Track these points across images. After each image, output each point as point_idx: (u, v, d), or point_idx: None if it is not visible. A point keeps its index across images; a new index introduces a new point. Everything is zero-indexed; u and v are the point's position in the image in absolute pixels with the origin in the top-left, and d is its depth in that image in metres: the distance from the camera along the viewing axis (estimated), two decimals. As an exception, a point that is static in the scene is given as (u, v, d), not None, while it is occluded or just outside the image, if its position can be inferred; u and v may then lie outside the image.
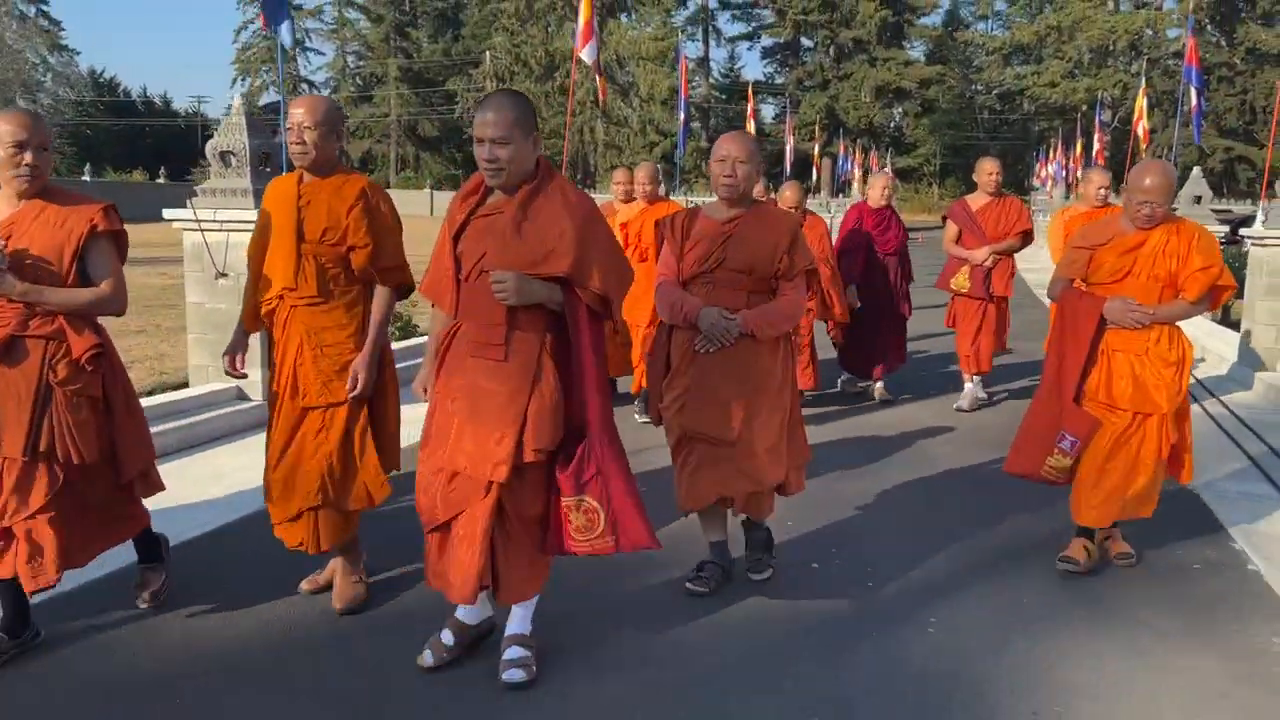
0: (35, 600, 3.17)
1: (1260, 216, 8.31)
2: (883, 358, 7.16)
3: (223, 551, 4.03)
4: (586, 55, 10.59)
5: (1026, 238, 6.85)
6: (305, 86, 67.57)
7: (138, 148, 62.39)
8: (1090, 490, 3.82)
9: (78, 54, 58.46)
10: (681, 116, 14.96)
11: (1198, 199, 11.22)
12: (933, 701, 2.89)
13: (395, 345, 5.99)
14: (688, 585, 3.61)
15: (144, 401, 5.76)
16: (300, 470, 3.38)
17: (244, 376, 3.62)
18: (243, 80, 65.90)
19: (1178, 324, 3.84)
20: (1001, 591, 3.71)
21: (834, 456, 5.47)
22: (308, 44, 67.43)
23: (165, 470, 3.55)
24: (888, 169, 43.79)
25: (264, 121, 6.91)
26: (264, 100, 66.39)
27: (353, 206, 3.33)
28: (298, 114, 3.33)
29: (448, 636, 3.06)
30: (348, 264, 3.37)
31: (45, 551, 2.98)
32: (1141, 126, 20.49)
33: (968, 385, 7.07)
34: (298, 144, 3.32)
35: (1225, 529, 4.43)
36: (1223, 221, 13.79)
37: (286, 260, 3.34)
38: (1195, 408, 6.92)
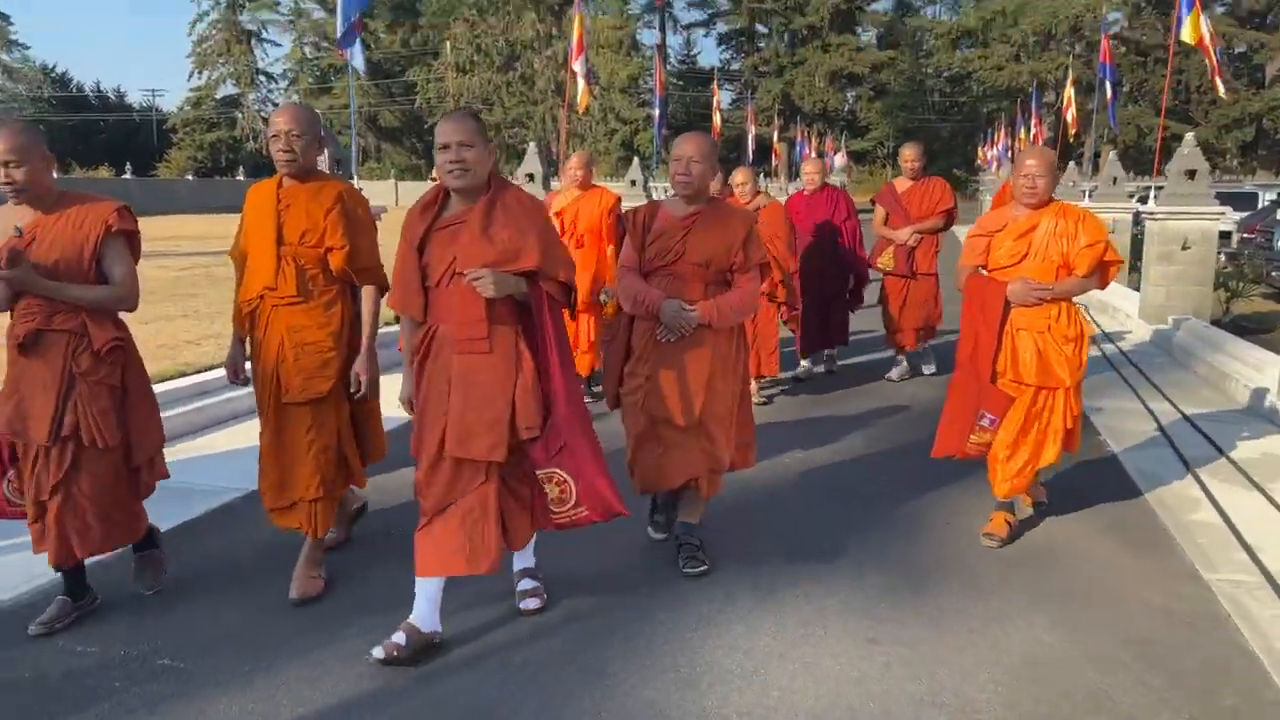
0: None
1: (1151, 195, 9.54)
2: (822, 336, 7.46)
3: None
4: (579, 67, 11.57)
5: (949, 216, 7.26)
6: (263, 79, 67.24)
7: (93, 143, 61.60)
8: (1005, 465, 4.06)
9: (28, 49, 57.82)
10: (657, 112, 15.90)
11: (1114, 180, 12.50)
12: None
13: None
14: (649, 530, 4.07)
15: (174, 384, 6.47)
16: (295, 465, 3.53)
17: (247, 383, 3.78)
18: (199, 73, 65.48)
19: (1075, 302, 4.07)
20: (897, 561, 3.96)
21: (776, 435, 5.70)
22: (264, 35, 67.12)
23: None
24: (838, 155, 45.05)
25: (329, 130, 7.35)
26: (220, 94, 66.09)
27: (330, 209, 3.47)
28: (282, 122, 3.46)
29: (399, 638, 3.11)
30: (326, 265, 3.50)
31: (63, 531, 3.22)
32: (1070, 113, 21.81)
33: (899, 359, 7.50)
34: (285, 152, 3.45)
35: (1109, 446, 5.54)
36: (1138, 199, 15.13)
37: (267, 262, 3.47)
38: (1100, 349, 8.22)
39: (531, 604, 3.41)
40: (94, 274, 3.25)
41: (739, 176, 6.55)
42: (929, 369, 7.61)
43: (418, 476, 3.17)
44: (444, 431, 3.08)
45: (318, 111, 3.94)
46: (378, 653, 3.06)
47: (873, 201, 7.65)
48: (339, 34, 7.60)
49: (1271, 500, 4.60)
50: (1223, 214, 9.45)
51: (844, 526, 4.33)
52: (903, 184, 7.40)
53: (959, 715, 2.82)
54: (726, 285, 3.71)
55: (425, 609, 3.16)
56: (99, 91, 69.97)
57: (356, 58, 8.06)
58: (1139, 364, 7.89)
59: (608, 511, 3.18)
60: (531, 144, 9.52)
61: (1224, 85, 11.84)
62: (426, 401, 3.15)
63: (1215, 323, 9.35)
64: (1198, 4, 9.67)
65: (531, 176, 9.76)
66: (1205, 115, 46.61)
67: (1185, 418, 6.14)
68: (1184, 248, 9.23)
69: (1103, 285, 4.18)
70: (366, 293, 3.61)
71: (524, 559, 3.50)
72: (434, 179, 6.34)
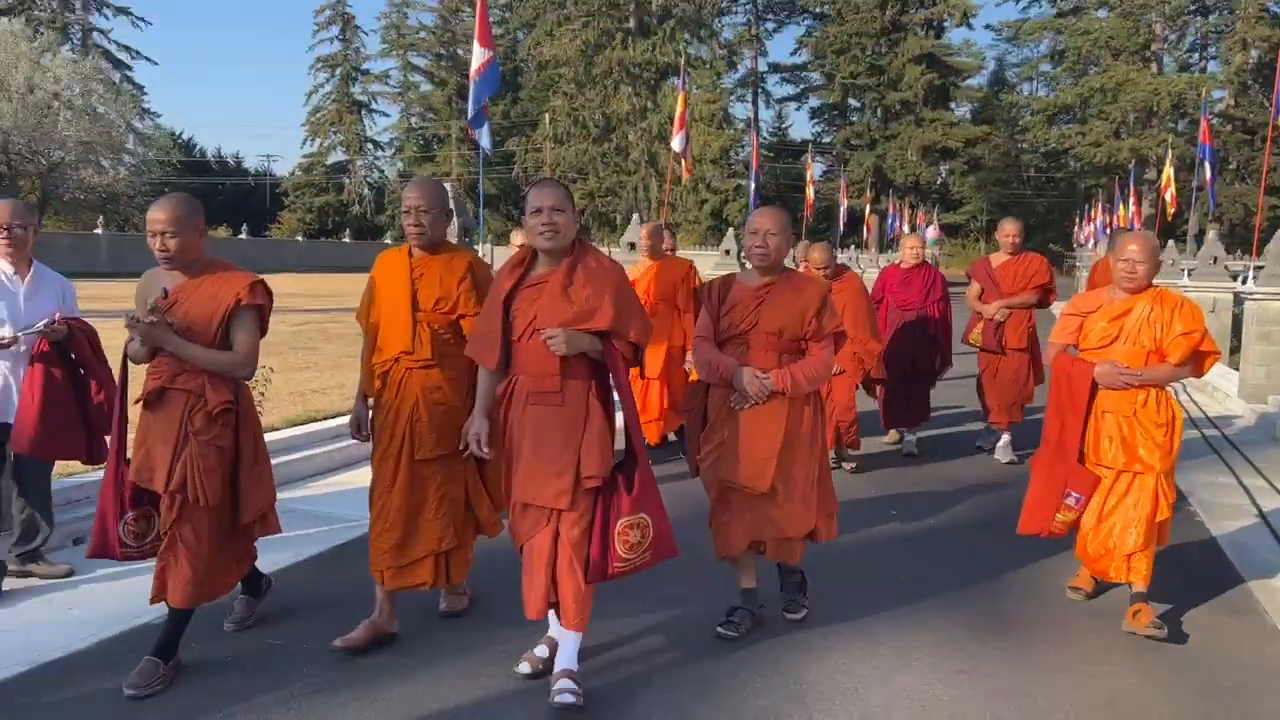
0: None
1: (1251, 275, 9.61)
2: (905, 414, 7.45)
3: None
4: (677, 145, 12.27)
5: (1043, 292, 7.10)
6: (370, 146, 70.80)
7: (213, 205, 65.28)
8: (1089, 546, 4.04)
9: (159, 116, 62.01)
10: (752, 186, 16.55)
11: (1214, 259, 12.53)
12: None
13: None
14: (719, 630, 3.82)
15: (317, 426, 7.03)
16: (424, 519, 3.67)
17: (368, 439, 3.88)
18: (311, 140, 69.27)
19: (1167, 388, 4.02)
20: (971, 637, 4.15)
21: (868, 498, 5.95)
22: (374, 106, 70.79)
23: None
24: (930, 228, 45.07)
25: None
26: (331, 159, 69.74)
27: (463, 279, 3.70)
28: (413, 198, 3.67)
29: (542, 650, 3.47)
30: (458, 329, 3.69)
31: (170, 572, 3.40)
32: (1170, 192, 21.68)
33: (998, 433, 7.33)
34: (415, 226, 3.67)
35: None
36: (1241, 279, 14.99)
37: (403, 327, 3.64)
38: (1199, 430, 8.26)
39: (568, 698, 3.16)
40: (219, 340, 3.44)
41: (815, 254, 6.55)
42: (1005, 457, 7.20)
43: (509, 520, 3.40)
44: (518, 478, 3.28)
45: (445, 186, 4.15)
46: (523, 668, 3.43)
47: (967, 275, 7.63)
48: (469, 115, 8.30)
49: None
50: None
51: (934, 576, 4.63)
52: (999, 258, 7.31)
53: (1043, 738, 3.10)
54: (800, 354, 3.77)
55: (556, 624, 3.42)
56: (219, 157, 74.54)
57: (484, 138, 8.78)
58: (1237, 443, 7.94)
59: (664, 555, 3.29)
60: (635, 215, 10.12)
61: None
62: (508, 448, 3.34)
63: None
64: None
65: (633, 245, 10.32)
66: (1316, 194, 45.32)
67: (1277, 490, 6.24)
68: (1283, 327, 9.26)
69: (1198, 374, 4.13)
70: None
71: (565, 659, 3.33)
72: (516, 244, 6.47)
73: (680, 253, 7.23)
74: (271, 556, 4.63)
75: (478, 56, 8.16)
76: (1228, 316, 12.52)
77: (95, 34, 56.38)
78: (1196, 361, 4.01)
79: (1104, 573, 4.07)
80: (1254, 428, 8.65)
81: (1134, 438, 3.94)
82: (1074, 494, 3.99)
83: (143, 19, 56.13)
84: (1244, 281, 10.96)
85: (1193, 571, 4.73)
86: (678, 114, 12.40)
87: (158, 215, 3.37)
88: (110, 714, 3.19)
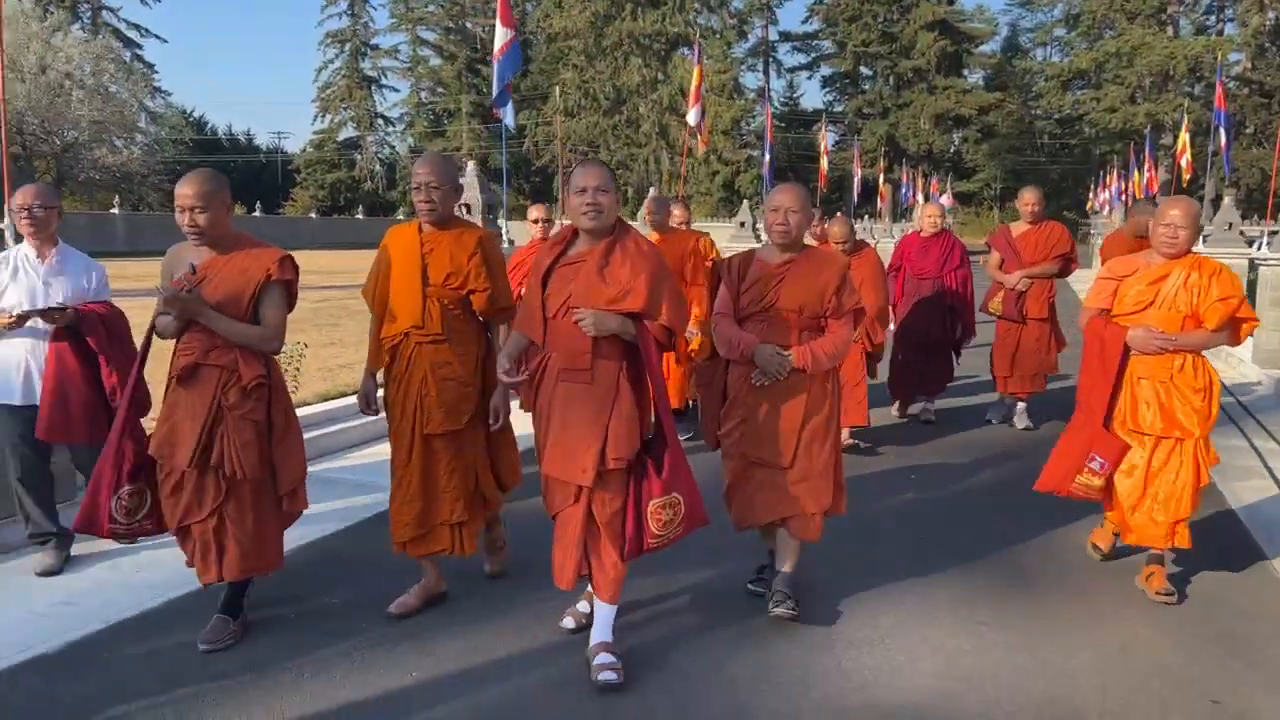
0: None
1: (1265, 240, 9.68)
2: (920, 382, 7.47)
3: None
4: (692, 118, 12.35)
5: (1065, 262, 7.07)
6: (380, 121, 70.79)
7: (225, 182, 65.72)
8: (1132, 515, 4.02)
9: (169, 95, 61.97)
10: (767, 158, 16.63)
11: (1229, 225, 12.56)
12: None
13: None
14: (749, 586, 4.02)
15: (346, 401, 7.03)
16: (437, 493, 3.74)
17: (378, 413, 3.98)
18: (322, 117, 69.32)
19: (1202, 354, 3.97)
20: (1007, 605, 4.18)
21: (869, 479, 5.81)
22: (383, 81, 70.65)
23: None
24: (944, 196, 44.86)
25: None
26: (342, 136, 69.76)
27: (473, 254, 3.70)
28: (424, 174, 3.67)
29: (584, 606, 3.63)
30: (467, 304, 3.73)
31: (211, 552, 3.47)
32: (1185, 158, 21.61)
33: (1007, 403, 7.41)
34: (426, 202, 3.68)
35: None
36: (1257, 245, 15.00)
37: (413, 301, 3.67)
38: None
39: (609, 677, 3.27)
40: (250, 315, 3.47)
41: (836, 229, 6.51)
42: (1021, 423, 7.31)
43: (543, 488, 3.47)
44: (547, 453, 3.38)
45: (465, 163, 4.33)
46: (567, 623, 3.62)
47: (987, 244, 7.60)
48: (494, 95, 8.41)
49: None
50: (1337, 260, 9.53)
51: (953, 539, 4.82)
52: (1019, 227, 7.28)
53: (1058, 682, 3.31)
54: (820, 331, 3.77)
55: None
56: (230, 134, 74.61)
57: (509, 115, 8.90)
58: (1251, 408, 8.07)
59: (695, 525, 3.38)
60: (652, 189, 10.23)
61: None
62: (539, 423, 3.44)
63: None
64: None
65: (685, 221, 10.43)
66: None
67: (1289, 455, 6.40)
68: (1298, 293, 9.35)
69: (1235, 342, 4.08)
70: (503, 331, 3.84)
71: (600, 631, 3.43)
72: (532, 220, 6.53)
73: (693, 225, 7.18)
74: (319, 525, 4.87)
75: (500, 36, 8.28)
76: (1243, 283, 12.54)
77: (105, 12, 56.36)
78: (1233, 328, 3.97)
79: (1153, 540, 4.00)
80: (1270, 394, 8.77)
81: (1171, 403, 3.92)
82: (1099, 458, 3.98)
83: (152, -4, 55.73)
84: (1259, 248, 11.02)
85: (1205, 532, 4.89)
86: (693, 88, 12.45)
87: (186, 191, 3.38)
88: (184, 665, 3.41)
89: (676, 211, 6.77)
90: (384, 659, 3.48)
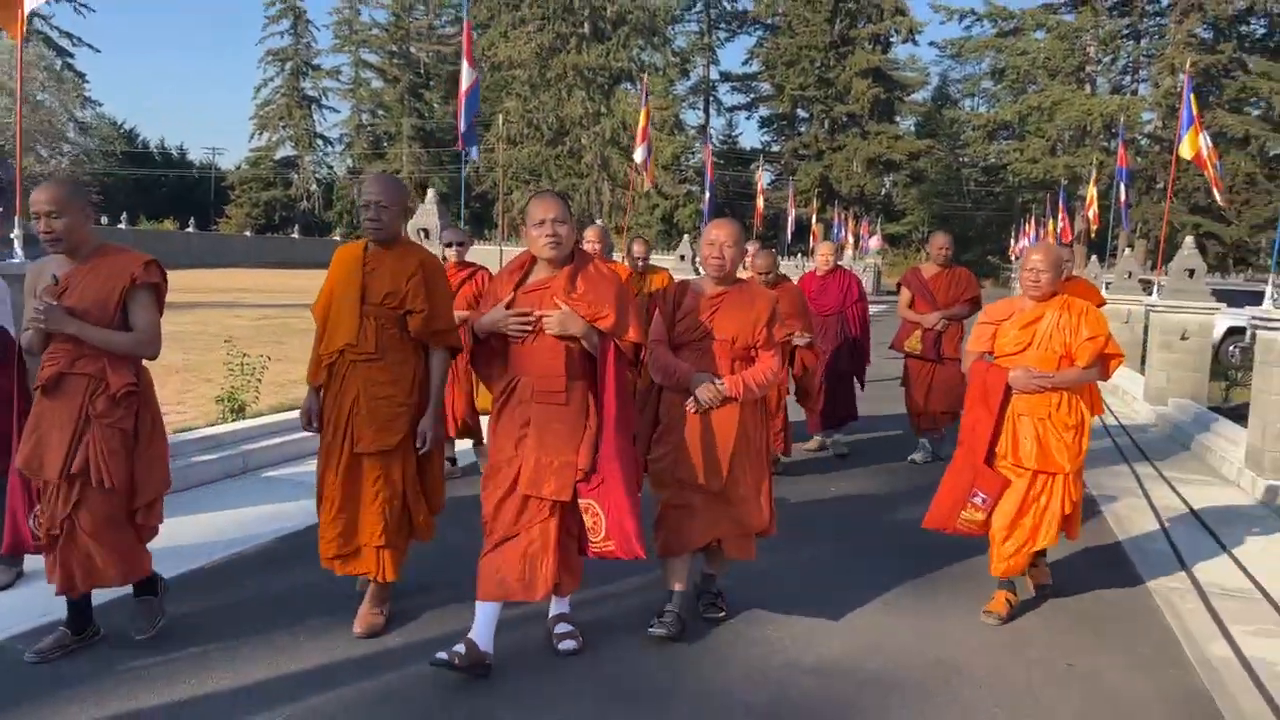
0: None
1: (1155, 291, 10.56)
2: (832, 414, 7.62)
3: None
4: (639, 156, 12.92)
5: (975, 304, 7.29)
6: (320, 141, 70.30)
7: (155, 197, 64.23)
8: (1001, 546, 4.18)
9: (100, 105, 60.78)
10: (707, 195, 17.30)
11: (1128, 274, 13.52)
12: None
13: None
14: (650, 629, 3.83)
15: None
16: (362, 513, 3.72)
17: (317, 431, 3.86)
18: (259, 134, 68.58)
19: (1075, 392, 4.18)
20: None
21: (792, 492, 6.22)
22: (324, 101, 70.23)
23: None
24: (874, 238, 46.32)
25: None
26: (280, 154, 69.11)
27: (412, 275, 3.70)
28: (372, 193, 3.69)
29: (460, 648, 3.41)
30: (403, 325, 3.72)
31: (66, 564, 3.40)
32: (1092, 210, 23.02)
33: (921, 441, 7.57)
34: (373, 221, 3.70)
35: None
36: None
37: (350, 319, 3.68)
38: (1102, 424, 9.10)
39: (570, 645, 3.64)
40: (118, 322, 3.42)
41: (759, 261, 6.58)
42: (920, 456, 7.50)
43: (485, 509, 3.53)
44: (518, 471, 3.46)
45: (406, 184, 4.07)
46: (441, 655, 3.36)
47: (898, 286, 7.81)
48: (461, 132, 8.77)
49: (1219, 541, 5.54)
50: (1218, 309, 10.44)
51: (865, 542, 5.34)
52: (929, 269, 7.55)
53: (945, 648, 3.86)
54: (751, 361, 3.92)
55: (483, 630, 3.48)
56: (163, 148, 73.28)
57: (474, 151, 9.30)
58: (1137, 439, 8.86)
59: (629, 550, 3.45)
60: (598, 220, 10.69)
61: (1220, 196, 12.95)
62: (500, 442, 3.54)
63: (1215, 408, 10.24)
64: (1196, 123, 10.78)
65: (612, 248, 10.91)
66: (1238, 214, 47.55)
67: (1164, 479, 7.10)
68: (1183, 338, 10.22)
69: (1104, 377, 4.29)
70: (437, 355, 3.85)
71: (560, 605, 3.77)
72: (448, 244, 6.13)
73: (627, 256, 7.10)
74: (284, 522, 5.18)
75: (466, 76, 8.69)
76: (1140, 328, 13.50)
77: (35, 19, 55.18)
78: (1103, 364, 4.20)
79: (1020, 568, 4.25)
80: (1154, 427, 9.58)
81: (1048, 439, 4.11)
82: (981, 494, 4.15)
83: (85, 5, 54.79)
84: (1153, 295, 11.91)
85: (1089, 543, 5.47)
86: (640, 127, 13.04)
87: (40, 196, 3.34)
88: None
89: (637, 248, 6.81)
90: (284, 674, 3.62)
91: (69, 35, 55.57)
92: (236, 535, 5.03)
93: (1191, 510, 6.27)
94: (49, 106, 43.65)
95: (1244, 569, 5.06)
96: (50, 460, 3.33)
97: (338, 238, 60.45)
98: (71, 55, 56.00)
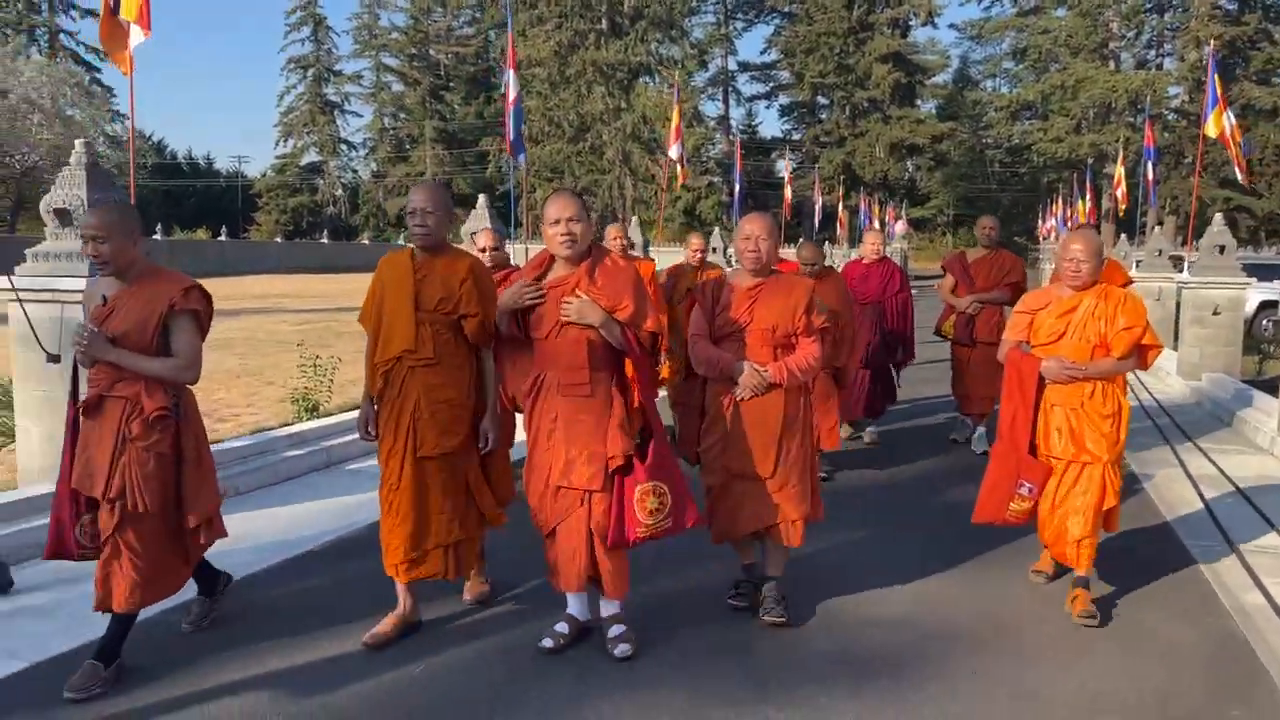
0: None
1: (1186, 267, 10.74)
2: (864, 405, 7.56)
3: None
4: (674, 152, 13.23)
5: (1016, 290, 7.11)
6: (344, 146, 71.11)
7: (184, 207, 65.23)
8: (1042, 531, 4.24)
9: (127, 118, 61.53)
10: (737, 186, 17.58)
11: (1159, 251, 13.66)
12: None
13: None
14: (729, 600, 4.15)
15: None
16: (431, 516, 3.78)
17: (375, 438, 3.89)
18: (284, 141, 69.49)
19: (1112, 380, 4.12)
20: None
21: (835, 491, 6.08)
22: (347, 107, 71.06)
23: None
24: (899, 223, 46.26)
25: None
26: (305, 160, 69.97)
27: (464, 280, 3.76)
28: (418, 200, 3.76)
29: (562, 627, 3.75)
30: (458, 329, 3.79)
31: (107, 580, 3.41)
32: (1120, 190, 23.03)
33: (964, 422, 7.63)
34: (420, 228, 3.78)
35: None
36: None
37: (406, 326, 3.72)
38: (1137, 400, 9.30)
39: (624, 649, 3.64)
40: (157, 346, 3.47)
41: (805, 253, 6.63)
42: (980, 448, 7.34)
43: (531, 503, 3.71)
44: (550, 464, 3.61)
45: (451, 190, 4.34)
46: (546, 643, 3.69)
47: (943, 268, 7.86)
48: (510, 141, 9.11)
49: (1253, 504, 5.79)
50: (1249, 284, 10.61)
51: (913, 519, 5.62)
52: (974, 253, 7.52)
53: (995, 603, 4.11)
54: (792, 349, 3.99)
55: (576, 605, 3.83)
56: (190, 158, 74.39)
57: (521, 156, 9.64)
58: (1173, 414, 9.05)
59: (690, 523, 3.64)
60: (635, 217, 10.99)
61: (1242, 175, 13.08)
62: (536, 437, 3.69)
63: (1249, 381, 10.38)
64: (1221, 102, 10.93)
65: (631, 244, 11.23)
66: (1269, 188, 47.10)
67: (1201, 451, 7.34)
68: (1215, 313, 10.39)
69: (1143, 367, 4.26)
70: (490, 355, 3.95)
71: (613, 607, 3.75)
72: (481, 249, 5.61)
73: (657, 250, 7.33)
74: (362, 514, 5.52)
75: (513, 85, 9.04)
76: (1172, 304, 13.63)
77: (63, 36, 56.17)
78: (1140, 355, 4.14)
79: (1062, 556, 4.25)
80: (1190, 402, 9.78)
81: (1081, 429, 4.08)
82: (1026, 484, 4.13)
83: (112, 21, 55.30)
84: (1183, 272, 12.07)
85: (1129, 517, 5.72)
86: (673, 125, 13.34)
87: (89, 221, 3.44)
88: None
89: (695, 241, 6.96)
90: (358, 684, 3.47)
91: (95, 50, 56.38)
92: (329, 525, 5.40)
93: (1227, 478, 6.50)
94: (80, 122, 44.47)
95: (1275, 527, 5.33)
96: (97, 480, 3.41)
97: (365, 241, 61.13)
98: (99, 70, 56.88)
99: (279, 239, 58.18)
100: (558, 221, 3.58)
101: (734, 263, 4.30)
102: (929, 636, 3.91)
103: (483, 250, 6.23)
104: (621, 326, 3.58)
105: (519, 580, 4.46)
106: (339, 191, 69.20)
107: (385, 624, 3.85)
